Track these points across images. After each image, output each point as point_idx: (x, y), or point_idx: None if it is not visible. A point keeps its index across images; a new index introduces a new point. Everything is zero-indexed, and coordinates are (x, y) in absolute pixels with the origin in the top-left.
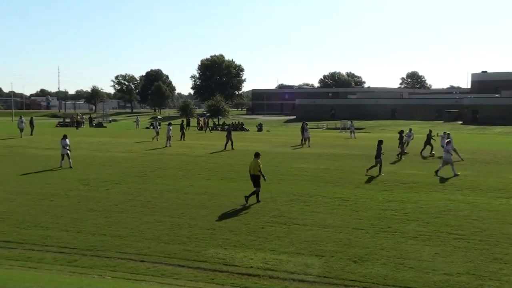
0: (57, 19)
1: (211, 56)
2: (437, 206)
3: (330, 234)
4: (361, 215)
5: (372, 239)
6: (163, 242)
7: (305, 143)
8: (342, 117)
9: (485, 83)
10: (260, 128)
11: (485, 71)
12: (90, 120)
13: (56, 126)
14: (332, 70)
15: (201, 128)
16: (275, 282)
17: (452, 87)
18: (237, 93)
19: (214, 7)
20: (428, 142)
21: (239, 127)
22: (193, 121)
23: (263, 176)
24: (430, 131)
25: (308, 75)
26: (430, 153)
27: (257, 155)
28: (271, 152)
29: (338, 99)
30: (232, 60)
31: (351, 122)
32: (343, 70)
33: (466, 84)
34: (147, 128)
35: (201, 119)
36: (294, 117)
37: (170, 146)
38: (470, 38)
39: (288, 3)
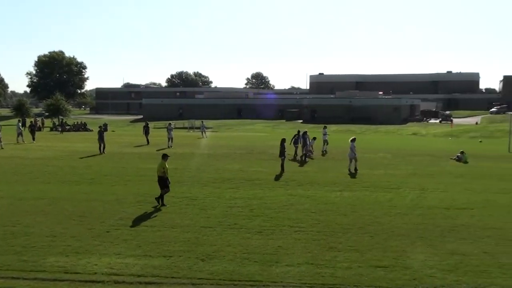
0: None
1: (50, 53)
2: (280, 201)
3: (178, 234)
4: (209, 213)
5: (219, 237)
6: None
7: (169, 144)
8: (190, 117)
9: (322, 84)
10: (105, 128)
11: (322, 73)
12: None
13: None
14: (180, 70)
15: (39, 129)
16: (121, 287)
17: (293, 88)
18: (79, 91)
19: None
20: (302, 141)
21: (82, 127)
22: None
23: (167, 179)
24: (305, 132)
25: (155, 74)
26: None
27: (164, 156)
28: (117, 152)
29: (185, 99)
30: (74, 57)
31: (202, 121)
32: (191, 70)
33: (305, 85)
34: None
35: (39, 119)
36: (141, 116)
37: (2, 148)
38: (309, 41)
39: (134, 0)
